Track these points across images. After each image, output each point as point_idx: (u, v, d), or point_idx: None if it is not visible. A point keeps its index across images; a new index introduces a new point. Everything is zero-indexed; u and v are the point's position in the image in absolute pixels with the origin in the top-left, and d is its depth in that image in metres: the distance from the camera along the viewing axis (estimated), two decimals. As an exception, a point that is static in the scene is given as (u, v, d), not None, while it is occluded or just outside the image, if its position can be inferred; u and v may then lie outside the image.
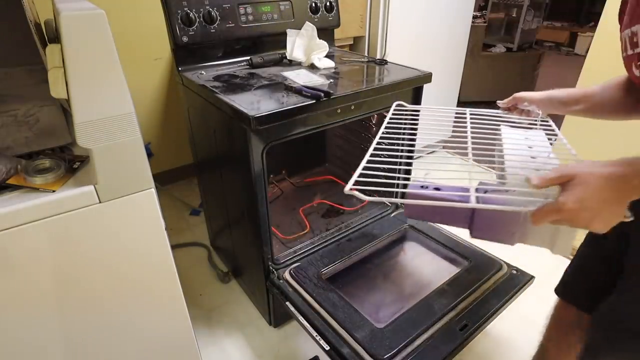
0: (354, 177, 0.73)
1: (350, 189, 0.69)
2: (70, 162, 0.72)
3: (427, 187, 0.74)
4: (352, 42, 2.24)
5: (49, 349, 0.78)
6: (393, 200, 0.77)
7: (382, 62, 1.39)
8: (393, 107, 1.06)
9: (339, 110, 1.10)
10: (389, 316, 1.07)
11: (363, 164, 0.79)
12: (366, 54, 2.18)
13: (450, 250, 1.33)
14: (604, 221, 0.55)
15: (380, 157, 0.83)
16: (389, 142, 0.95)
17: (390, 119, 0.99)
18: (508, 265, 1.23)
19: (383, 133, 0.93)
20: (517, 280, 1.18)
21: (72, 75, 0.61)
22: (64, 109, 0.87)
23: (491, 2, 4.04)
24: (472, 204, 0.66)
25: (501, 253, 1.31)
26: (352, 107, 1.12)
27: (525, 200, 0.60)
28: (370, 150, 0.84)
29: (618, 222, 0.56)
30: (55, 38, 0.78)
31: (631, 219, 0.56)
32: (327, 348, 0.99)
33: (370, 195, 0.69)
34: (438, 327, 1.02)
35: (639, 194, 0.54)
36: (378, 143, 0.90)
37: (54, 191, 0.66)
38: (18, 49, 1.08)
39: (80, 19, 0.59)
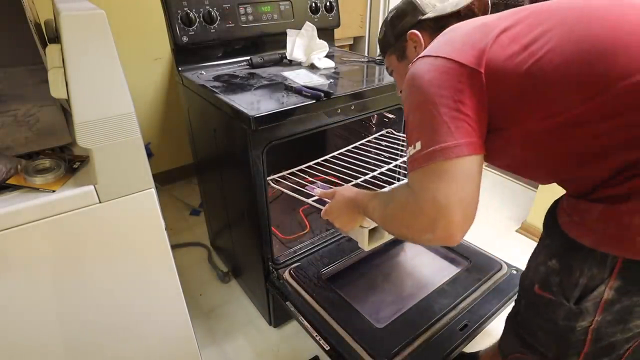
0: (284, 173, 1.25)
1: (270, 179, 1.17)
2: (70, 162, 0.72)
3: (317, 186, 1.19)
4: (352, 42, 2.25)
5: (49, 349, 0.78)
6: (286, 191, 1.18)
7: (382, 62, 1.39)
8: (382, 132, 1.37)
9: (339, 110, 1.10)
10: (389, 316, 1.07)
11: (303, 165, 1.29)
12: (366, 54, 2.18)
13: (450, 250, 1.32)
14: (342, 223, 0.92)
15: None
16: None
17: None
18: (508, 265, 1.23)
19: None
20: (517, 280, 1.18)
21: (72, 75, 0.61)
22: (64, 109, 0.87)
23: (491, 2, 4.04)
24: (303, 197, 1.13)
25: (501, 253, 1.31)
26: (352, 107, 1.12)
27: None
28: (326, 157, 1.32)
29: (356, 226, 0.93)
30: (55, 38, 0.79)
31: (366, 226, 0.92)
32: (327, 348, 0.99)
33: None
34: (438, 327, 1.02)
35: (361, 213, 0.85)
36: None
37: (54, 191, 0.66)
38: (18, 49, 1.08)
39: (80, 19, 0.59)
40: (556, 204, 0.68)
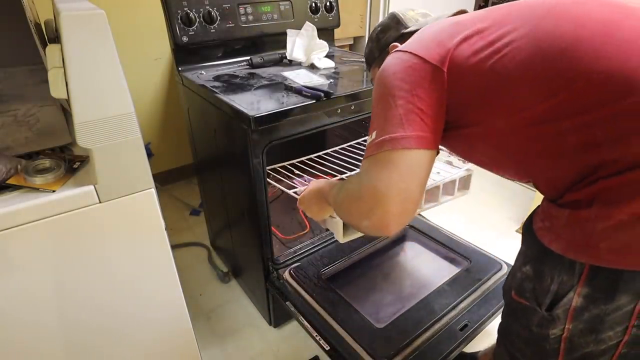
0: (275, 166, 1.30)
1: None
2: (70, 162, 0.72)
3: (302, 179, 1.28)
4: (352, 42, 2.25)
5: (49, 349, 0.78)
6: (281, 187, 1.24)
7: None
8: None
9: (339, 110, 1.10)
10: (389, 316, 1.07)
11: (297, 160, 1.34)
12: (366, 54, 2.18)
13: (450, 250, 1.33)
14: (312, 213, 0.95)
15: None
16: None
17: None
18: (508, 265, 1.23)
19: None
20: (517, 280, 1.18)
21: (72, 75, 0.61)
22: (64, 109, 0.87)
23: (491, 2, 4.04)
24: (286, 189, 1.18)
25: (501, 253, 1.31)
26: (352, 107, 1.12)
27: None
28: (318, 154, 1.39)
29: (325, 216, 0.95)
30: (55, 38, 0.79)
31: (334, 216, 0.94)
32: (327, 348, 0.99)
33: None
34: (438, 327, 1.02)
35: (326, 203, 0.85)
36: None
37: (54, 191, 0.66)
38: (18, 49, 1.08)
39: (80, 19, 0.59)
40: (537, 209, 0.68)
